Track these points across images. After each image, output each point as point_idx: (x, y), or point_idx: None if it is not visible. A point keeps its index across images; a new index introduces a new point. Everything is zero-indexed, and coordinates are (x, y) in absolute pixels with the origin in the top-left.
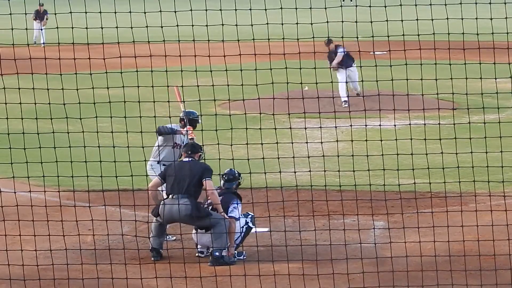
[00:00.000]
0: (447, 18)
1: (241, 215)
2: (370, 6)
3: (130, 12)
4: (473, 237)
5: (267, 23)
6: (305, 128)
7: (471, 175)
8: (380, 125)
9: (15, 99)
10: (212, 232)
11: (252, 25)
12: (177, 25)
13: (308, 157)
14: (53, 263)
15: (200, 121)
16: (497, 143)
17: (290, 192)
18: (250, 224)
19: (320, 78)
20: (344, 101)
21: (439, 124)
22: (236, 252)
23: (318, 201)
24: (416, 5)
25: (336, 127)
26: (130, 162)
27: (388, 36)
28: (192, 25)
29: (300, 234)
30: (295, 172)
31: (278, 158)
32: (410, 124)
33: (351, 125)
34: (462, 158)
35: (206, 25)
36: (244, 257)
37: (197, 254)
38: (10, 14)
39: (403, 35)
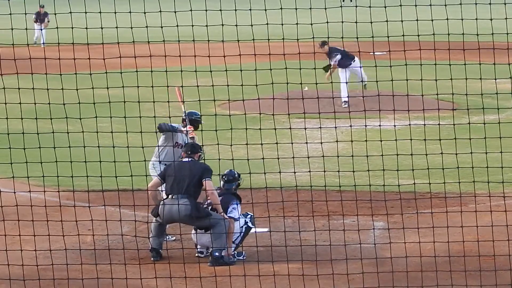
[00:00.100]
0: (447, 19)
1: (240, 215)
2: (370, 7)
3: (130, 12)
4: (473, 237)
5: (267, 24)
6: (305, 129)
7: (471, 176)
8: (380, 125)
9: (15, 99)
10: (212, 232)
11: (252, 25)
12: (177, 25)
13: (308, 157)
14: (52, 263)
15: (202, 122)
16: (497, 144)
17: (290, 192)
18: (250, 224)
19: (320, 79)
20: (344, 101)
21: (439, 124)
22: (235, 252)
23: (317, 202)
24: (416, 5)
25: (336, 127)
26: (130, 162)
27: (388, 37)
28: (192, 25)
29: (299, 235)
30: (294, 173)
31: (278, 158)
32: (410, 124)
33: (351, 126)
34: (462, 159)
35: (206, 25)
36: (244, 257)
37: (196, 255)
38: (10, 14)
39: (403, 35)
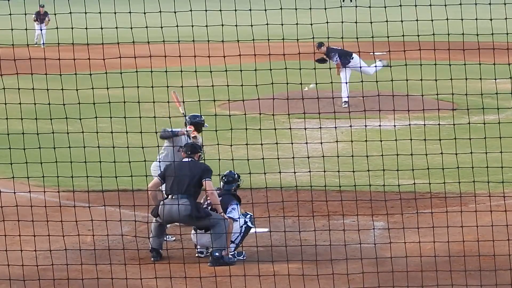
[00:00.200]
0: (447, 19)
1: (240, 215)
2: (370, 7)
3: (130, 12)
4: (473, 237)
5: (267, 24)
6: (305, 129)
7: (470, 176)
8: (380, 125)
9: (15, 99)
10: (212, 232)
11: (252, 25)
12: (177, 26)
13: (308, 157)
14: (52, 263)
15: (206, 125)
16: (496, 144)
17: (290, 192)
18: (249, 224)
19: (320, 79)
20: (344, 101)
21: (439, 124)
22: (236, 252)
23: (317, 202)
24: (416, 5)
25: (336, 127)
26: (129, 162)
27: (388, 37)
28: (192, 26)
29: (299, 235)
30: (294, 173)
31: (278, 158)
32: (410, 124)
33: (351, 126)
34: (461, 159)
35: (206, 26)
36: (244, 257)
37: (196, 255)
38: (10, 14)
39: (403, 35)
